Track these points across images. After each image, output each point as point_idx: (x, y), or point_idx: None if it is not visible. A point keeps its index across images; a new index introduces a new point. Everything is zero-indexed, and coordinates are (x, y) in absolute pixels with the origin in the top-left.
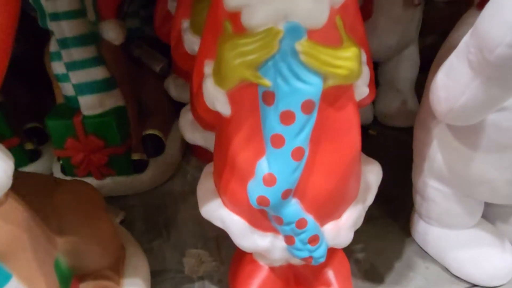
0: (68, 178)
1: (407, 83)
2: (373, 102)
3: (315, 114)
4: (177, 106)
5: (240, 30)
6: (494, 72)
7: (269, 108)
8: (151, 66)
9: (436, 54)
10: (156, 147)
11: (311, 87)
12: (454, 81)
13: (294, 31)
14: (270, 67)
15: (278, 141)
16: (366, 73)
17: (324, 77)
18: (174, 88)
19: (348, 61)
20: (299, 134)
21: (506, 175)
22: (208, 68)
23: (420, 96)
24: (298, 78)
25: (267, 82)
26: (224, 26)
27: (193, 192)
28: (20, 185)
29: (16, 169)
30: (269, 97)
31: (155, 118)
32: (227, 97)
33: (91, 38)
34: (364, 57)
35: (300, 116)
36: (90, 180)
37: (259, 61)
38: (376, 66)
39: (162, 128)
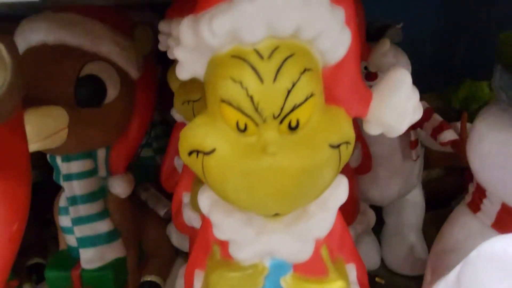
0: None
1: (413, 227)
2: (381, 246)
3: None
4: (177, 250)
5: (227, 256)
6: None
7: None
8: (156, 210)
9: (440, 191)
10: None
11: None
12: None
13: (280, 267)
14: None
15: None
16: None
17: None
18: (176, 236)
19: None
20: None
21: None
22: (198, 281)
23: (427, 236)
24: None
25: None
26: (213, 250)
27: None
28: None
29: None
30: None
31: (154, 261)
32: None
33: (99, 193)
34: (353, 274)
35: None
36: None
37: None
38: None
39: (161, 273)
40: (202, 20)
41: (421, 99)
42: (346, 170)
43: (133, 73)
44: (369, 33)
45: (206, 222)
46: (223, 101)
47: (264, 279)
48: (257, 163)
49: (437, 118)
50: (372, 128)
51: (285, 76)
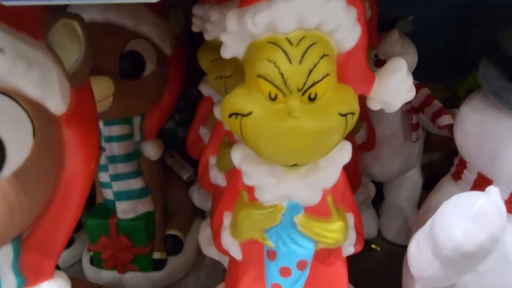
0: (95, 268)
1: (410, 202)
2: (379, 217)
3: (308, 270)
4: (198, 210)
5: (253, 199)
6: (447, 262)
7: (271, 263)
8: (179, 174)
9: (439, 172)
10: (175, 245)
11: (305, 250)
12: (421, 255)
13: (294, 208)
14: (273, 232)
15: None
16: (352, 236)
17: (316, 242)
18: (197, 197)
19: (335, 233)
20: (294, 285)
21: None
22: (227, 220)
23: None
24: (295, 242)
25: (271, 243)
26: (242, 194)
27: None
28: None
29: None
30: (271, 254)
31: (177, 218)
32: (239, 247)
33: (134, 154)
34: (351, 221)
35: (295, 272)
36: (114, 273)
37: (266, 227)
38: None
39: (182, 229)
40: (247, 14)
41: (430, 88)
42: (353, 146)
43: (167, 50)
44: (381, 24)
45: (236, 173)
46: (259, 76)
47: (281, 216)
48: (283, 124)
49: (437, 104)
50: (373, 104)
51: (308, 59)
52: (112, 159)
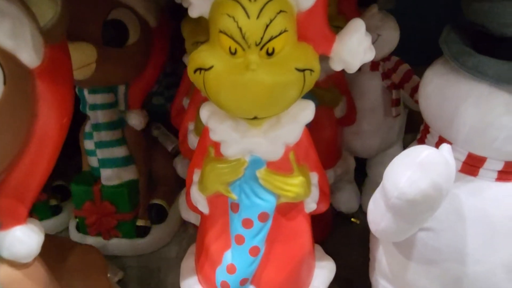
0: (81, 235)
1: None
2: (361, 193)
3: (269, 222)
4: (182, 180)
5: (219, 154)
6: (396, 211)
7: (235, 215)
8: (164, 145)
9: None
10: (159, 214)
11: (266, 203)
12: (376, 209)
13: (256, 162)
14: (237, 185)
15: (240, 239)
16: (314, 193)
17: (277, 196)
18: (181, 167)
19: (295, 187)
20: (256, 236)
21: (435, 285)
22: (196, 176)
23: None
24: (257, 195)
25: (234, 196)
26: (208, 150)
27: None
28: (44, 247)
29: None
30: (235, 206)
31: (162, 188)
32: (206, 201)
33: (119, 123)
34: (315, 179)
35: (257, 223)
36: (99, 239)
37: (229, 180)
38: (364, 160)
39: (167, 199)
40: None
41: (420, 72)
42: (331, 120)
43: (152, 21)
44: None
45: (204, 131)
46: (220, 31)
47: (244, 169)
48: (241, 76)
49: (416, 79)
50: (335, 64)
51: (265, 15)
52: (97, 127)
